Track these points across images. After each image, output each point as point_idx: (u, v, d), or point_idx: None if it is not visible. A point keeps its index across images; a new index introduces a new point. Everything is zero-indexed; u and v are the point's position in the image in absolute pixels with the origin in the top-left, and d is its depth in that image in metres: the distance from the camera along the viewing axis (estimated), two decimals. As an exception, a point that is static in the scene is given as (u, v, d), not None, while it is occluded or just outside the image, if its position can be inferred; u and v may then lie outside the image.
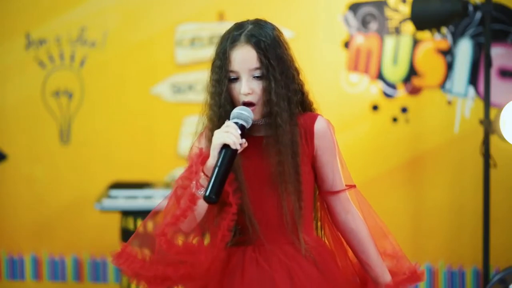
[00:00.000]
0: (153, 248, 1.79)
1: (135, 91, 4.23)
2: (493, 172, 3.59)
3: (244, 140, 1.79)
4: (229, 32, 1.89)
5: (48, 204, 4.28)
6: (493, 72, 3.93)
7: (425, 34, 4.04)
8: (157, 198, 3.73)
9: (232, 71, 1.86)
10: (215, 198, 1.73)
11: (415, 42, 4.07)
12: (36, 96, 4.29)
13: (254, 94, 1.85)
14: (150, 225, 2.00)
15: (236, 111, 1.83)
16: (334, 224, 1.98)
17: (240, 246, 1.91)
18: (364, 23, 4.09)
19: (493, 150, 3.57)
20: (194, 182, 1.78)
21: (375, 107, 4.10)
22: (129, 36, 4.22)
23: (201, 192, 1.76)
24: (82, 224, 4.24)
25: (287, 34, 2.00)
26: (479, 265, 3.97)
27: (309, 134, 1.91)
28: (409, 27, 4.02)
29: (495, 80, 3.94)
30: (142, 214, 3.68)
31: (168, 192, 2.25)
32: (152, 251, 1.80)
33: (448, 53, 4.04)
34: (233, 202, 1.79)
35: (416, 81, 4.07)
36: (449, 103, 4.05)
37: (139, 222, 3.67)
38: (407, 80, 4.08)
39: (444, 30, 4.03)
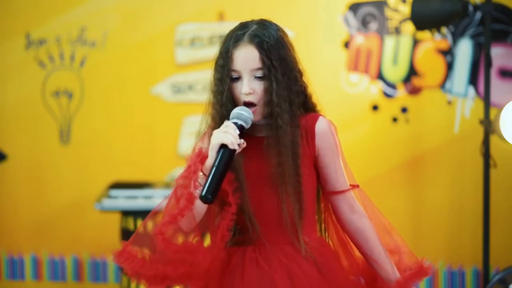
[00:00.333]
0: (152, 248, 1.80)
1: (135, 91, 4.23)
2: (493, 172, 3.59)
3: (242, 140, 1.79)
4: (233, 31, 1.89)
5: (48, 204, 4.28)
6: (493, 72, 3.93)
7: (425, 34, 4.04)
8: (157, 198, 3.73)
9: (234, 70, 1.86)
10: (211, 198, 1.73)
11: (415, 42, 4.07)
12: (36, 96, 4.29)
13: (255, 94, 1.85)
14: (150, 225, 2.01)
15: (235, 111, 1.83)
16: (339, 224, 1.97)
17: (241, 246, 1.91)
18: (364, 23, 4.10)
19: (493, 150, 3.57)
20: (192, 182, 1.78)
21: (375, 107, 4.10)
22: (129, 36, 4.22)
23: (198, 192, 1.76)
24: (82, 224, 4.24)
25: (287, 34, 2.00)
26: (479, 265, 3.97)
27: (310, 135, 1.90)
28: (409, 27, 4.02)
29: (495, 80, 3.94)
30: (142, 214, 3.68)
31: (168, 192, 2.26)
32: (151, 251, 1.80)
33: (448, 53, 4.04)
34: (233, 202, 1.80)
35: (416, 81, 4.07)
36: (449, 103, 4.05)
37: (139, 222, 3.67)
38: (407, 80, 4.08)
39: (444, 30, 4.03)
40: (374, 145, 4.10)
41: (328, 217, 2.00)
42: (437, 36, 4.05)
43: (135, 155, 4.21)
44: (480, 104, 3.83)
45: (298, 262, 1.88)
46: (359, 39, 4.11)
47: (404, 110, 4.08)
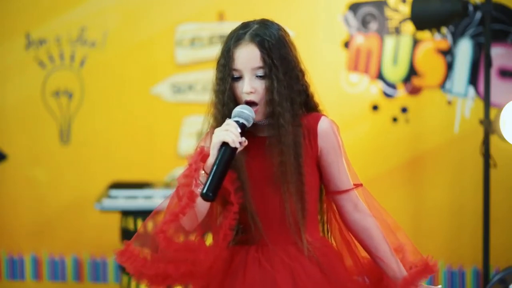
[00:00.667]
0: (153, 248, 1.80)
1: (135, 91, 4.23)
2: (493, 172, 3.59)
3: (244, 138, 1.79)
4: (234, 31, 1.90)
5: (48, 204, 4.28)
6: (493, 72, 3.93)
7: (425, 34, 4.04)
8: (157, 198, 3.73)
9: (235, 70, 1.86)
10: (212, 195, 1.72)
11: (415, 42, 4.07)
12: (36, 96, 4.29)
13: (257, 93, 1.85)
14: (151, 225, 2.01)
15: (237, 109, 1.83)
16: (344, 224, 1.97)
17: (243, 245, 1.91)
18: (364, 23, 4.10)
19: (493, 150, 3.57)
20: (194, 180, 1.78)
21: (375, 107, 4.10)
22: (129, 36, 4.22)
23: (200, 190, 1.76)
24: (82, 224, 4.24)
25: (287, 33, 2.01)
26: (479, 265, 3.97)
27: (313, 134, 1.90)
28: (409, 27, 4.02)
29: (495, 80, 3.94)
30: (142, 214, 3.68)
31: (168, 192, 2.26)
32: (152, 251, 1.80)
33: (448, 53, 4.05)
34: (235, 201, 1.80)
35: (416, 81, 4.08)
36: (449, 103, 4.05)
37: (139, 222, 3.67)
38: (407, 80, 4.08)
39: (444, 30, 4.03)
40: (374, 145, 4.10)
41: (332, 217, 1.99)
42: (437, 36, 4.05)
43: (135, 155, 4.21)
44: (480, 104, 3.83)
45: (300, 262, 1.88)
46: (359, 39, 4.11)
47: (404, 110, 4.08)
